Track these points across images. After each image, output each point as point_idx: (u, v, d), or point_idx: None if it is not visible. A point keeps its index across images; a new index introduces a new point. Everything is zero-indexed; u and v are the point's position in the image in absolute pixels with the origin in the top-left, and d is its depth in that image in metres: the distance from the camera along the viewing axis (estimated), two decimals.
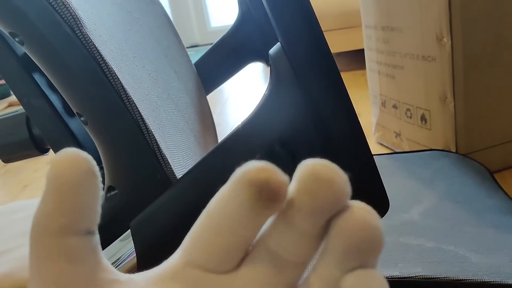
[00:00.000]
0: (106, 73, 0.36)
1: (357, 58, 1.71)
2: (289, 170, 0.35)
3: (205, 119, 0.74)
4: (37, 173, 1.37)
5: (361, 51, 1.18)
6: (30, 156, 0.58)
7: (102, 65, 0.36)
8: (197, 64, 0.80)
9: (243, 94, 1.97)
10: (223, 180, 0.36)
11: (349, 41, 1.88)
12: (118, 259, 0.39)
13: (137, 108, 0.37)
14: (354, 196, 0.35)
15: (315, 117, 0.33)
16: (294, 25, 0.32)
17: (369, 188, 0.34)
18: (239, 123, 0.37)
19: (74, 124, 0.50)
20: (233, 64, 0.79)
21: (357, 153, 0.33)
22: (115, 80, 0.36)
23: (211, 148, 0.39)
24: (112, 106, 0.37)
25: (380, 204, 0.35)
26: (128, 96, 0.37)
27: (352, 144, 0.33)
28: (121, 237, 0.40)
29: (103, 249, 0.41)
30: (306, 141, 0.34)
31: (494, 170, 0.83)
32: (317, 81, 0.32)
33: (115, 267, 0.38)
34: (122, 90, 0.37)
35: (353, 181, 0.34)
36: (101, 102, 0.37)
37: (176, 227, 0.37)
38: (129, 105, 0.37)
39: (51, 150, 0.59)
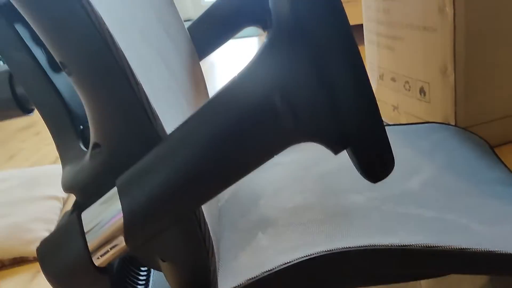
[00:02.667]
0: (92, 17, 0.33)
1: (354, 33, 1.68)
2: (289, 123, 0.32)
3: (198, 84, 0.71)
4: (23, 143, 1.34)
5: (358, 27, 1.15)
6: (13, 116, 0.55)
7: (87, 7, 0.33)
8: (191, 28, 0.77)
9: (235, 66, 1.93)
10: (217, 134, 0.34)
11: None
12: (101, 220, 0.36)
13: (124, 56, 0.34)
14: (359, 152, 0.32)
15: (319, 67, 0.30)
16: None
17: (375, 143, 0.32)
18: (235, 74, 0.34)
19: (59, 80, 0.47)
20: (228, 28, 0.76)
21: (362, 106, 0.31)
22: (101, 25, 0.33)
23: None
24: (97, 54, 0.34)
25: (386, 160, 0.32)
26: (115, 44, 0.34)
27: (358, 97, 0.30)
28: (105, 196, 0.37)
29: (83, 210, 0.38)
30: (307, 92, 0.31)
31: (493, 145, 0.81)
32: (323, 28, 0.30)
33: (102, 226, 0.36)
34: (109, 36, 0.34)
35: (357, 135, 0.32)
36: (85, 49, 0.34)
37: (166, 184, 0.34)
38: (116, 53, 0.34)
39: (35, 111, 0.56)
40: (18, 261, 0.80)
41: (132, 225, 0.35)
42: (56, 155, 1.21)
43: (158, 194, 0.34)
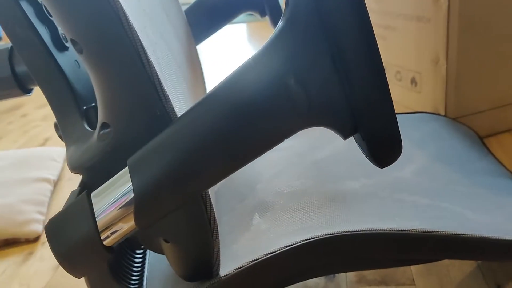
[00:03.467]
0: None
1: None
2: (303, 107, 0.33)
3: (195, 68, 0.71)
4: (11, 125, 1.32)
5: None
6: (11, 95, 0.55)
7: None
8: (188, 12, 0.77)
9: (226, 56, 1.93)
10: (231, 116, 0.34)
11: None
12: (112, 199, 0.37)
13: (137, 35, 0.34)
14: (370, 137, 0.33)
15: (334, 51, 0.31)
16: None
17: (385, 128, 0.32)
18: (250, 57, 0.34)
19: (63, 60, 0.47)
20: (225, 13, 0.76)
21: (376, 92, 0.31)
22: (116, 2, 0.33)
23: (201, 97, 0.37)
24: (110, 31, 0.34)
25: (395, 146, 0.33)
26: (129, 21, 0.34)
27: (372, 82, 0.31)
28: (115, 176, 0.37)
29: (94, 190, 0.38)
30: (322, 77, 0.32)
31: (482, 136, 0.83)
32: (340, 12, 0.30)
33: (112, 205, 0.36)
34: (123, 13, 0.34)
35: (369, 120, 0.33)
36: (98, 26, 0.34)
37: (177, 165, 0.34)
38: (129, 31, 0.34)
39: (35, 90, 0.55)
40: (10, 243, 0.80)
41: (143, 205, 0.35)
42: (44, 137, 1.19)
43: (169, 175, 0.34)
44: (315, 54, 0.31)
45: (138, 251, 0.60)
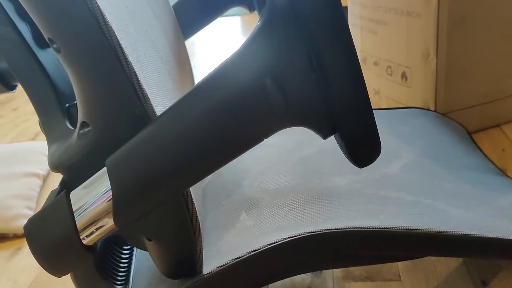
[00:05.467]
0: None
1: None
2: (280, 107, 0.33)
3: (183, 64, 0.71)
4: (1, 119, 1.31)
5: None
6: None
7: None
8: (175, 7, 0.76)
9: (220, 48, 1.92)
10: (208, 116, 0.34)
11: None
12: (90, 199, 0.37)
13: (115, 35, 0.34)
14: (348, 137, 0.33)
15: (310, 52, 0.31)
16: None
17: (363, 128, 0.32)
18: (227, 57, 0.34)
19: (45, 57, 0.46)
20: (213, 8, 0.75)
21: (352, 92, 0.31)
22: (92, 2, 0.33)
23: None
24: (88, 30, 0.33)
25: (373, 146, 0.33)
26: (106, 21, 0.34)
27: (348, 82, 0.31)
28: (94, 176, 0.37)
29: (73, 189, 0.38)
30: (299, 76, 0.32)
31: (471, 131, 0.83)
32: (316, 13, 0.30)
33: (91, 205, 0.36)
34: (100, 13, 0.33)
35: (346, 120, 0.33)
36: (75, 25, 0.34)
37: (156, 165, 0.34)
38: (106, 31, 0.34)
39: (18, 87, 0.55)
40: None
41: (121, 205, 0.35)
42: (35, 131, 1.19)
43: (148, 175, 0.34)
44: (292, 54, 0.31)
45: (125, 247, 0.60)
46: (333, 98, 0.31)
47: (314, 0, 0.30)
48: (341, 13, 0.30)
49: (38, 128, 1.18)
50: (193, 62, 1.73)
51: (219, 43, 1.99)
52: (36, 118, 1.07)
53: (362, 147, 0.33)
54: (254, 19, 2.32)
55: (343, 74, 0.31)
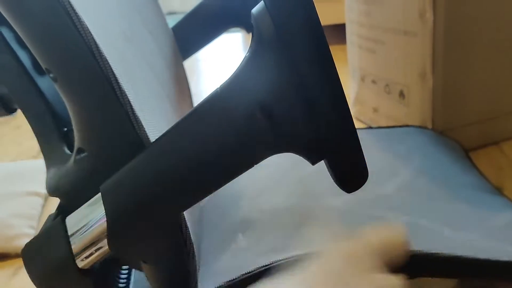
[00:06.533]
0: (77, 26, 0.34)
1: (336, 32, 1.70)
2: (268, 134, 0.34)
3: (181, 85, 0.72)
4: (4, 137, 1.33)
5: (341, 26, 1.16)
6: None
7: (73, 17, 0.34)
8: (175, 28, 0.78)
9: (222, 64, 1.94)
10: (199, 145, 0.35)
11: (329, 15, 1.86)
12: (85, 224, 0.37)
13: (109, 65, 0.35)
14: (334, 164, 0.34)
15: (297, 81, 0.32)
16: None
17: (349, 156, 0.33)
18: (218, 86, 0.35)
19: (44, 82, 0.47)
20: (212, 29, 0.77)
21: (338, 120, 0.32)
22: (87, 34, 0.34)
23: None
24: (82, 62, 0.35)
25: (359, 172, 0.34)
26: (100, 52, 0.35)
27: (333, 111, 0.32)
28: (89, 202, 0.38)
29: (70, 214, 0.39)
30: (286, 106, 0.33)
31: (468, 149, 0.84)
32: (301, 44, 0.31)
33: (86, 230, 0.37)
34: (94, 45, 0.34)
35: (333, 147, 0.33)
36: (70, 57, 0.35)
37: (149, 191, 0.35)
38: (101, 62, 0.35)
39: (19, 111, 0.56)
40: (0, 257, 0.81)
41: (115, 229, 0.36)
42: (37, 149, 1.20)
43: (141, 200, 0.35)
44: (280, 84, 0.32)
45: (124, 267, 0.60)
46: (320, 127, 0.32)
47: (299, 32, 0.31)
48: (325, 44, 0.31)
49: None
50: (195, 78, 1.75)
51: (221, 59, 2.01)
52: None
53: (348, 174, 0.34)
54: None
55: (329, 104, 0.31)
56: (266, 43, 0.32)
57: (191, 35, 0.78)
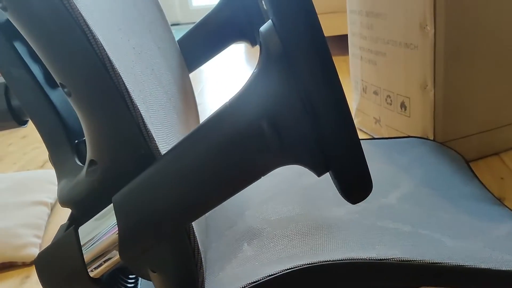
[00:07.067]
0: (92, 43, 0.36)
1: (339, 43, 1.71)
2: (275, 147, 0.35)
3: (188, 97, 0.73)
4: (10, 147, 1.34)
5: (344, 37, 1.18)
6: (7, 127, 0.57)
7: (88, 34, 0.35)
8: (180, 41, 0.79)
9: (225, 75, 1.96)
10: (209, 157, 0.36)
11: (332, 26, 1.88)
12: (97, 234, 0.39)
13: (122, 80, 0.36)
14: (340, 176, 0.35)
15: (303, 95, 0.33)
16: (286, 2, 0.32)
17: (354, 168, 0.34)
18: (227, 100, 0.36)
19: (56, 96, 0.49)
20: (217, 43, 0.78)
21: (343, 134, 0.33)
22: (101, 50, 0.36)
23: (193, 126, 0.39)
24: (97, 77, 0.36)
25: (364, 185, 0.35)
26: (114, 68, 0.36)
27: (338, 125, 0.33)
28: (101, 213, 0.39)
29: (81, 224, 0.40)
30: (293, 119, 0.34)
31: (469, 159, 0.85)
32: (307, 60, 0.32)
33: (98, 240, 0.38)
34: (108, 61, 0.36)
35: (338, 160, 0.35)
36: (85, 72, 0.36)
37: (159, 202, 0.36)
38: (114, 77, 0.36)
39: (30, 122, 0.58)
40: (7, 266, 0.82)
41: (126, 240, 0.37)
42: (43, 159, 1.22)
43: (151, 212, 0.36)
44: (286, 99, 0.33)
45: (131, 276, 0.61)
46: (325, 140, 0.33)
47: (306, 50, 0.32)
48: (331, 61, 0.32)
49: (46, 156, 1.21)
50: (200, 88, 1.77)
51: (225, 70, 2.03)
52: (44, 147, 1.09)
53: (354, 186, 0.35)
54: (257, 48, 2.35)
55: (333, 118, 0.33)
56: (274, 60, 0.34)
57: (196, 48, 0.79)
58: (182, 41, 0.79)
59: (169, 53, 0.70)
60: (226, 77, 1.93)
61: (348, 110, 0.33)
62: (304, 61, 0.32)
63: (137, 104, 0.38)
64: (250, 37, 0.76)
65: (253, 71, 0.35)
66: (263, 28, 0.34)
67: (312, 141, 0.34)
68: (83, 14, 0.35)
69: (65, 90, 0.38)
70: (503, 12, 0.87)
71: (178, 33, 0.81)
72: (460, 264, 0.47)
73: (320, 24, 0.31)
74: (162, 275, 0.43)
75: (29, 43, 0.38)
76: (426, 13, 0.84)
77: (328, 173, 0.37)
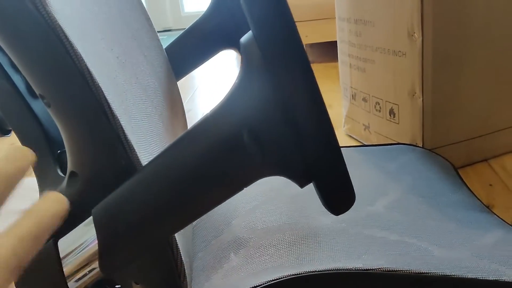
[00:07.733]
0: (71, 53, 0.35)
1: (329, 50, 1.72)
2: (256, 158, 0.35)
3: (175, 105, 0.73)
4: None
5: (334, 43, 1.18)
6: None
7: (66, 45, 0.35)
8: (168, 49, 0.79)
9: (214, 81, 1.96)
10: (189, 169, 0.36)
11: (322, 33, 1.88)
12: (77, 247, 0.38)
13: (102, 91, 0.36)
14: (322, 188, 0.35)
15: (283, 106, 0.33)
16: (265, 14, 0.32)
17: (336, 180, 0.34)
18: (208, 111, 0.36)
19: (38, 106, 0.48)
20: (205, 51, 0.78)
21: (323, 143, 0.33)
22: (80, 61, 0.35)
23: (180, 134, 0.39)
24: (75, 88, 0.35)
25: (346, 196, 0.35)
26: (93, 79, 0.36)
27: (319, 134, 0.33)
28: (81, 225, 0.39)
29: (64, 235, 0.40)
30: (274, 129, 0.33)
31: (458, 166, 0.85)
32: (287, 70, 0.32)
33: (78, 253, 0.37)
34: (87, 72, 0.35)
35: (320, 171, 0.34)
36: (64, 84, 0.36)
37: (140, 215, 0.36)
38: (94, 88, 0.36)
39: (13, 132, 0.57)
40: None
41: (106, 252, 0.36)
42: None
43: (132, 224, 0.36)
44: (267, 109, 0.33)
45: (117, 286, 0.61)
46: (306, 151, 0.33)
47: (286, 60, 0.32)
48: (310, 71, 0.32)
49: None
50: (191, 94, 1.76)
51: (215, 75, 2.03)
52: None
53: (336, 197, 0.34)
54: None
55: (314, 128, 0.32)
56: (254, 70, 0.33)
57: (184, 56, 0.79)
58: (170, 49, 0.78)
59: (155, 61, 0.69)
60: (218, 83, 1.93)
61: (328, 120, 0.33)
62: (283, 70, 0.32)
63: (118, 115, 0.37)
64: (238, 45, 0.76)
65: (234, 82, 0.35)
66: (243, 39, 0.34)
67: (294, 152, 0.34)
68: (61, 25, 0.34)
69: (45, 101, 0.37)
70: (491, 19, 0.87)
71: (170, 39, 0.81)
72: (447, 274, 0.47)
73: (298, 34, 0.31)
74: (145, 286, 0.42)
75: (7, 53, 0.37)
76: (413, 20, 0.84)
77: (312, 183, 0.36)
